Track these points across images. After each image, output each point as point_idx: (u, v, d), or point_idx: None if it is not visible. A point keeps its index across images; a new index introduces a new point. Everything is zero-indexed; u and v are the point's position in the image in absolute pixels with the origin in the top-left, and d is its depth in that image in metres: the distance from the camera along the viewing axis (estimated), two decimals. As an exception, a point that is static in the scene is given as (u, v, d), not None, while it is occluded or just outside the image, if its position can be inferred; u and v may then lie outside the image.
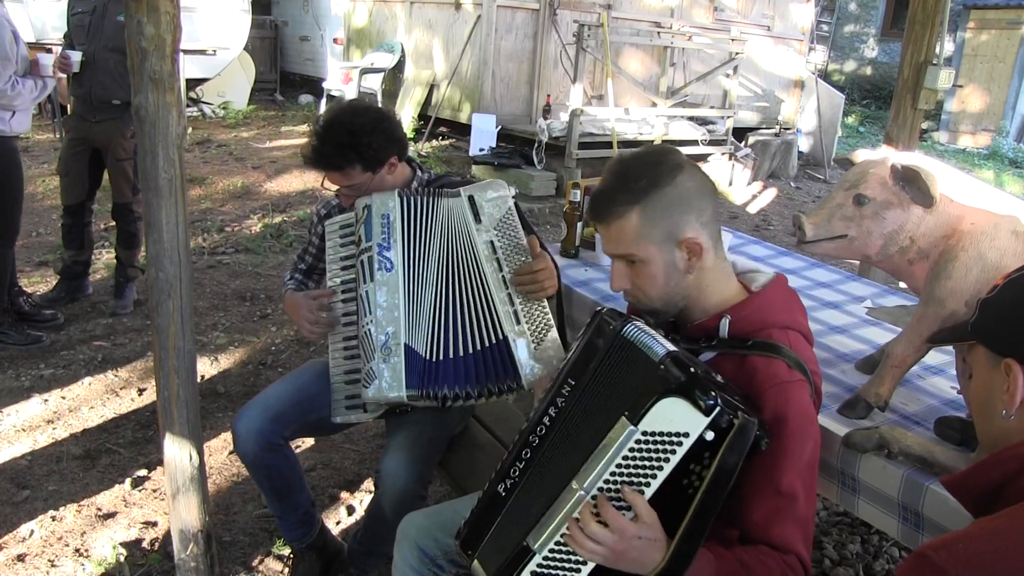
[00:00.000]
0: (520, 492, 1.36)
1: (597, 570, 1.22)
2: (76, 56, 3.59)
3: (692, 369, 1.17)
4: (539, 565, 1.26)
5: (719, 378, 1.25)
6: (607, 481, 1.19)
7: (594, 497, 1.20)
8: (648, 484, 1.17)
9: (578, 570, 1.23)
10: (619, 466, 1.18)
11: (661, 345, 1.22)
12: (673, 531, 1.16)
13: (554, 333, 1.83)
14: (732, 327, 1.37)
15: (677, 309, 1.43)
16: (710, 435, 1.13)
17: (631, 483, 1.18)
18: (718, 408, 1.12)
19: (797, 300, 1.49)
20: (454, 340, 1.83)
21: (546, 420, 1.34)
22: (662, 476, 1.16)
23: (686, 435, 1.14)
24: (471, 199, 1.86)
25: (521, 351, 1.81)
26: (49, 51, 3.59)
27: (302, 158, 1.97)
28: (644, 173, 1.34)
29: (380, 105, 2.13)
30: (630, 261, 1.39)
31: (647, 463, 1.17)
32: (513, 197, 1.91)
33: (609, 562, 1.18)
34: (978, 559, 0.85)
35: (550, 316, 1.85)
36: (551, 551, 1.25)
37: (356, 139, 1.90)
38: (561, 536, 1.24)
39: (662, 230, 1.34)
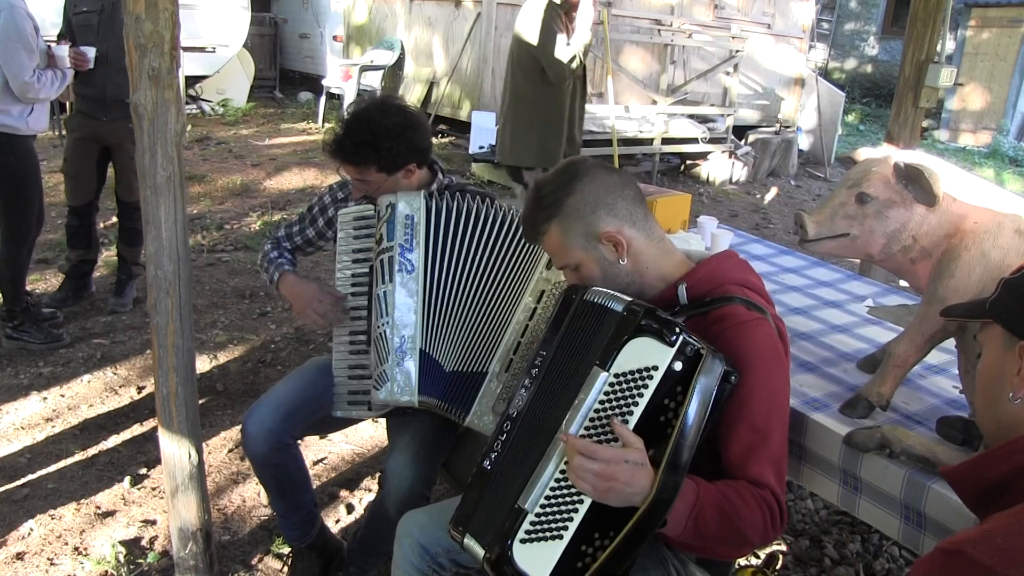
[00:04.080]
0: (503, 462, 1.40)
1: (589, 517, 1.24)
2: (91, 52, 3.57)
3: (654, 311, 1.27)
4: (532, 523, 1.29)
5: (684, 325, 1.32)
6: (587, 427, 1.26)
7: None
8: (626, 422, 1.22)
9: (570, 518, 1.25)
10: (596, 411, 1.25)
11: (621, 301, 1.33)
12: (657, 464, 1.20)
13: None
14: (690, 291, 1.44)
15: (630, 292, 1.49)
16: (678, 365, 1.21)
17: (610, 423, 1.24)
18: (682, 337, 1.21)
19: (749, 267, 1.54)
20: (461, 352, 1.83)
21: (523, 392, 1.42)
22: (638, 411, 1.22)
23: (655, 368, 1.21)
24: None
25: (486, 396, 1.80)
26: (58, 44, 3.56)
27: (322, 145, 1.96)
28: (550, 191, 1.48)
29: (413, 109, 2.09)
30: (572, 268, 1.51)
31: (623, 401, 1.23)
32: None
33: (599, 492, 1.20)
34: (1020, 553, 0.81)
35: None
36: (542, 506, 1.28)
37: (377, 141, 1.89)
38: (549, 490, 1.28)
39: (578, 234, 1.46)
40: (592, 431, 1.25)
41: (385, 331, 1.82)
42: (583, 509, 1.24)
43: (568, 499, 1.26)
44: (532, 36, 4.14)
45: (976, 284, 1.47)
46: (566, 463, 1.24)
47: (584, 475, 1.19)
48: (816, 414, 1.66)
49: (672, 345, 1.21)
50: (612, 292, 1.37)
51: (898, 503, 1.49)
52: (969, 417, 1.57)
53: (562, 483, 1.27)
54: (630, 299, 1.33)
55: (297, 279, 2.10)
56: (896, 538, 1.55)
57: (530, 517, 1.28)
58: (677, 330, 1.22)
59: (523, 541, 1.28)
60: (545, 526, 1.27)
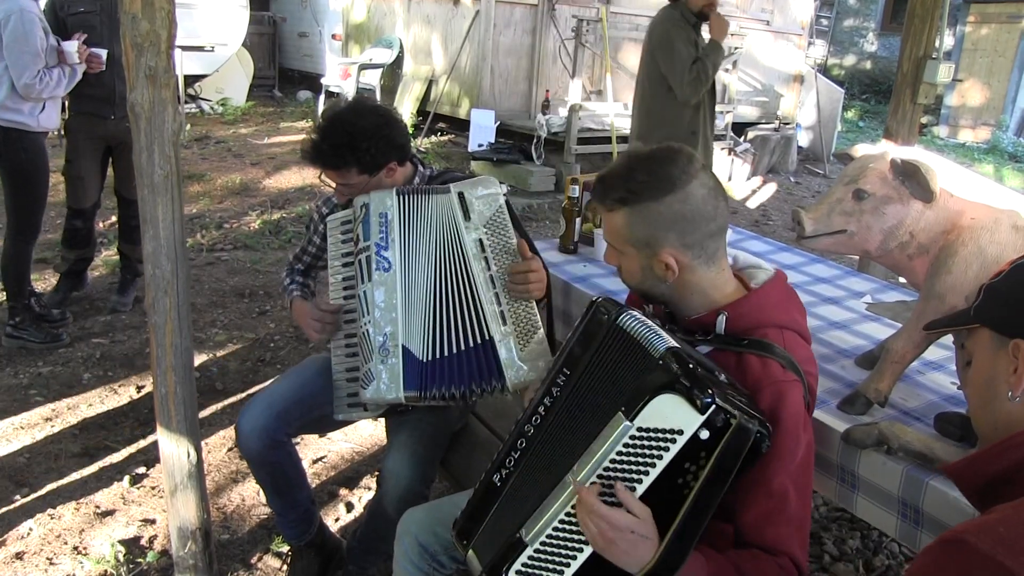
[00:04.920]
0: (514, 482, 1.37)
1: (587, 565, 1.21)
2: (103, 54, 3.57)
3: (691, 366, 1.16)
4: (530, 557, 1.27)
5: (723, 377, 1.24)
6: (601, 476, 1.19)
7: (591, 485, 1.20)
8: (640, 480, 1.16)
9: (567, 564, 1.23)
10: (613, 461, 1.18)
11: (662, 339, 1.21)
12: (665, 529, 1.16)
13: (541, 335, 1.80)
14: (729, 324, 1.37)
15: (661, 301, 1.46)
16: (705, 434, 1.12)
17: (625, 478, 1.17)
18: (714, 407, 1.11)
19: (796, 298, 1.48)
20: (443, 339, 1.81)
21: (541, 410, 1.36)
22: (655, 473, 1.15)
23: (680, 432, 1.13)
24: (460, 195, 1.84)
25: (506, 352, 1.78)
26: (67, 40, 3.55)
27: (300, 153, 1.95)
28: (641, 179, 1.35)
29: (386, 107, 2.10)
30: (615, 248, 1.44)
31: (641, 459, 1.16)
32: (505, 195, 1.88)
33: (599, 547, 1.17)
34: (1022, 542, 0.81)
35: (538, 318, 1.82)
36: (543, 543, 1.26)
37: (354, 142, 1.88)
38: (553, 529, 1.24)
39: (641, 238, 1.37)
40: (605, 482, 1.19)
41: (368, 330, 1.81)
42: (582, 558, 1.22)
43: (568, 545, 1.23)
44: (658, 51, 4.02)
45: (973, 280, 1.47)
46: (572, 507, 1.21)
47: (586, 530, 1.17)
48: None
49: (702, 412, 1.11)
50: (650, 324, 1.28)
51: (896, 500, 1.49)
52: (967, 413, 1.57)
53: (565, 527, 1.24)
54: (669, 340, 1.21)
55: (300, 303, 2.12)
56: (893, 535, 1.55)
57: (529, 551, 1.26)
58: (710, 392, 1.12)
59: (519, 573, 1.27)
60: (542, 565, 1.26)
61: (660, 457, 1.15)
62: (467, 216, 1.82)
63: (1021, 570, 0.78)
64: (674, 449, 1.14)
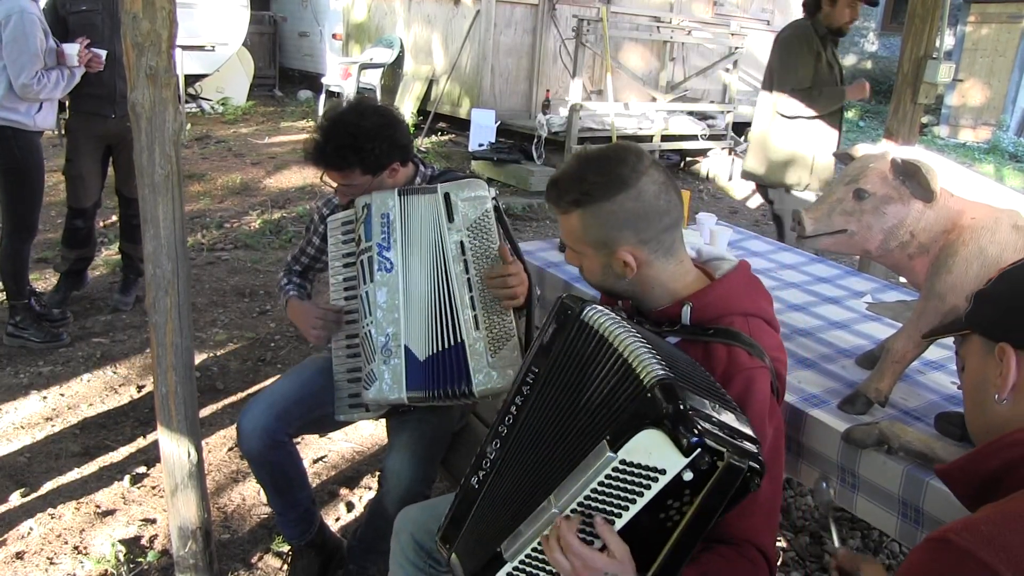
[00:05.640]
0: (491, 486, 1.35)
1: None
2: (103, 54, 3.57)
3: (681, 404, 1.08)
4: (509, 574, 1.26)
5: (715, 408, 1.16)
6: (581, 504, 1.16)
7: (567, 518, 1.17)
8: (620, 515, 1.13)
9: None
10: (594, 490, 1.15)
11: (655, 362, 1.15)
12: (647, 566, 1.13)
13: (514, 342, 1.80)
14: (694, 314, 1.38)
15: (624, 296, 1.46)
16: (689, 475, 1.07)
17: (605, 509, 1.15)
18: (699, 450, 1.06)
19: (760, 287, 1.49)
20: (430, 340, 1.82)
21: (512, 410, 1.33)
22: (635, 509, 1.12)
23: (663, 472, 1.09)
24: (446, 196, 1.84)
25: (475, 358, 1.78)
26: (68, 40, 3.55)
27: (303, 153, 1.95)
28: (592, 180, 1.36)
29: (388, 107, 2.09)
30: (575, 251, 1.46)
31: (622, 492, 1.13)
32: (494, 199, 1.87)
33: None
34: (1003, 539, 0.83)
35: (512, 326, 1.81)
36: (522, 562, 1.25)
37: (358, 143, 1.87)
38: (532, 550, 1.23)
39: (598, 238, 1.38)
40: (584, 512, 1.16)
41: (370, 331, 1.81)
42: None
43: (548, 568, 1.22)
44: (775, 55, 3.91)
45: (973, 280, 1.47)
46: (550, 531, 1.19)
47: (561, 562, 1.15)
48: (815, 410, 1.66)
49: (686, 454, 1.06)
50: (618, 319, 1.24)
51: (896, 500, 1.49)
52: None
53: (543, 552, 1.22)
54: (658, 367, 1.14)
55: (298, 302, 2.10)
56: (893, 535, 1.55)
57: (508, 568, 1.26)
58: (697, 432, 1.06)
59: None
60: None
61: (641, 494, 1.11)
62: (451, 217, 1.82)
63: (1001, 566, 0.80)
64: (656, 487, 1.10)
